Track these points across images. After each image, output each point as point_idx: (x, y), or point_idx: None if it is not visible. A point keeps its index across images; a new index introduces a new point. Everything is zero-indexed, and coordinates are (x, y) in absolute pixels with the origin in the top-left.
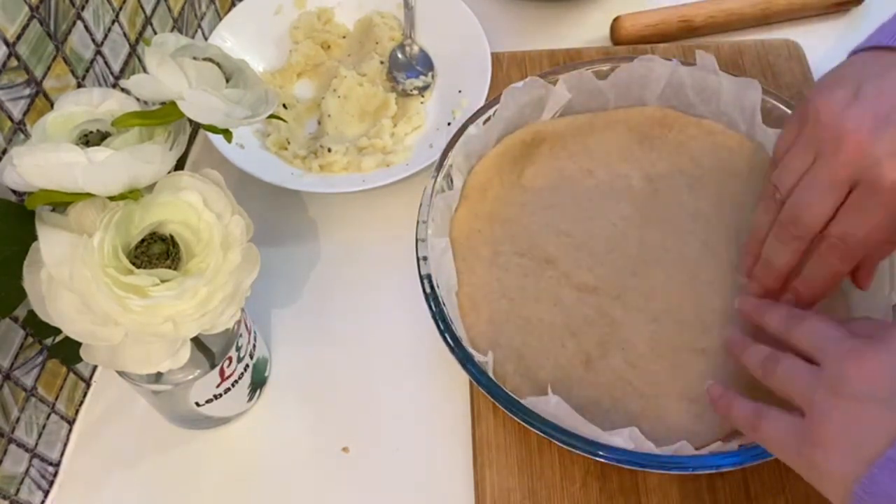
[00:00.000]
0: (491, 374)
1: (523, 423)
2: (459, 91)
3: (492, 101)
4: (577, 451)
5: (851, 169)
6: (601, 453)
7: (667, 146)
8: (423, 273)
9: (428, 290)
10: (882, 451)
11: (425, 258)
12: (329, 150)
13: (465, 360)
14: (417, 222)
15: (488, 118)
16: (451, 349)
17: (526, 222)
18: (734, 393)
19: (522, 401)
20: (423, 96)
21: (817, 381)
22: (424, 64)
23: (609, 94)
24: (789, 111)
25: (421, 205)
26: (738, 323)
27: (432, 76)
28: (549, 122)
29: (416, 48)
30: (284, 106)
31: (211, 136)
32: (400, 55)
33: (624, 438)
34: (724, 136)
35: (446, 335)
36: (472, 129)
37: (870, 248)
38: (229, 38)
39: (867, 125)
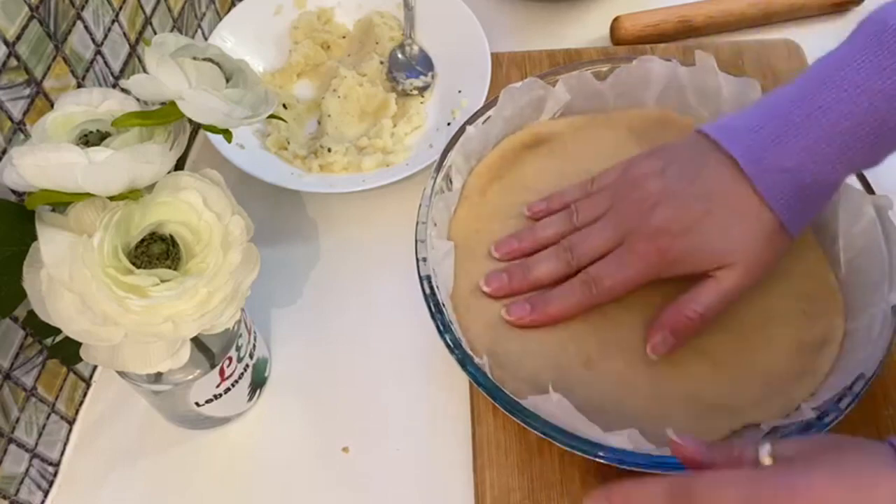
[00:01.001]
0: (490, 375)
1: (523, 424)
2: (459, 91)
3: (491, 101)
4: (577, 452)
5: (626, 228)
6: (601, 454)
7: None
8: (422, 274)
9: (428, 290)
10: None
11: (425, 259)
12: (329, 150)
13: (465, 360)
14: (417, 223)
15: (488, 118)
16: (451, 350)
17: (525, 223)
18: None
19: (523, 401)
20: (423, 96)
21: None
22: (424, 64)
23: (608, 95)
24: None
25: (420, 205)
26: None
27: (432, 76)
28: (549, 122)
29: (416, 48)
30: (284, 106)
31: (211, 136)
32: (400, 55)
33: (623, 439)
34: None
35: (446, 336)
36: (471, 130)
37: (615, 297)
38: (229, 38)
39: (652, 197)
